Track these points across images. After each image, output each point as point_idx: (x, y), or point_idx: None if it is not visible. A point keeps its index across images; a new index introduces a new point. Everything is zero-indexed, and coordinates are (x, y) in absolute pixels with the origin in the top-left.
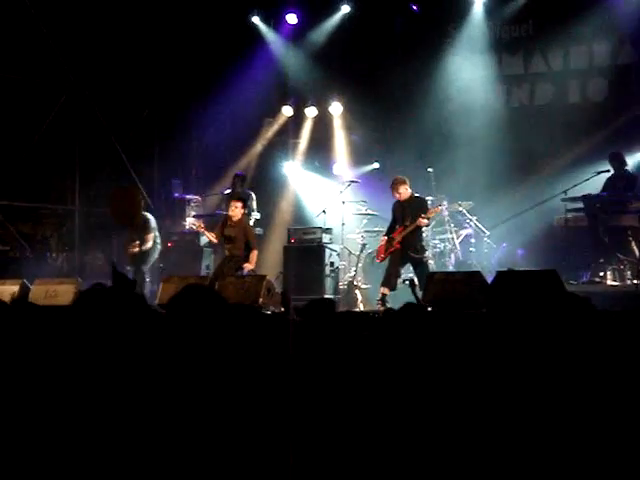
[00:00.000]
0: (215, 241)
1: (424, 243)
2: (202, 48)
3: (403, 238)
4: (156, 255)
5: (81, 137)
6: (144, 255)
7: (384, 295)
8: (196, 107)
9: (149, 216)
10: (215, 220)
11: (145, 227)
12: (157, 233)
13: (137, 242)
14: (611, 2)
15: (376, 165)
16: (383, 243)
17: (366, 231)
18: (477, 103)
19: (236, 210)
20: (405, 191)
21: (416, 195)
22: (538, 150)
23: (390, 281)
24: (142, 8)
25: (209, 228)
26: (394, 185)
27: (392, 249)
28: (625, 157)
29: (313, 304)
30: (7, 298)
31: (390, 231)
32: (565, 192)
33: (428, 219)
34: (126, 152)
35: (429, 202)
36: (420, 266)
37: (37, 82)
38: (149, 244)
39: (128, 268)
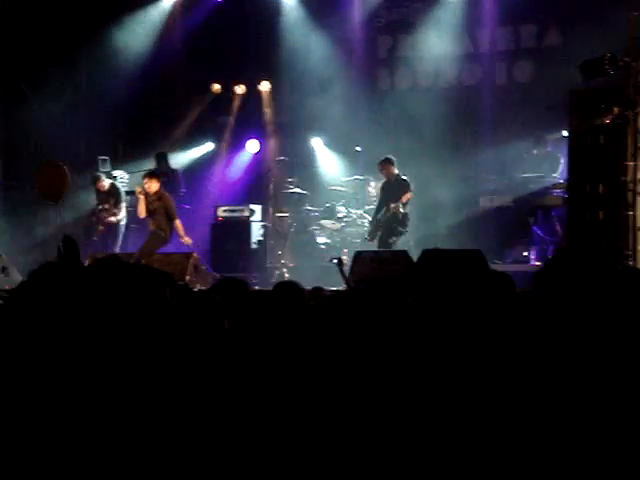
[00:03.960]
0: (142, 215)
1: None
2: (123, 24)
3: (386, 220)
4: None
5: (5, 112)
6: (116, 228)
7: None
8: (123, 84)
9: (118, 185)
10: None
11: (118, 196)
12: None
13: (113, 211)
14: None
15: (319, 140)
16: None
17: (294, 210)
18: (405, 83)
19: (150, 185)
20: (392, 172)
21: (401, 177)
22: (465, 130)
23: None
24: None
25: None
26: (383, 165)
27: (378, 231)
28: (547, 138)
29: (225, 283)
30: None
31: (377, 213)
32: (491, 172)
33: (400, 206)
34: (53, 127)
35: (356, 180)
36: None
37: None
38: (122, 214)
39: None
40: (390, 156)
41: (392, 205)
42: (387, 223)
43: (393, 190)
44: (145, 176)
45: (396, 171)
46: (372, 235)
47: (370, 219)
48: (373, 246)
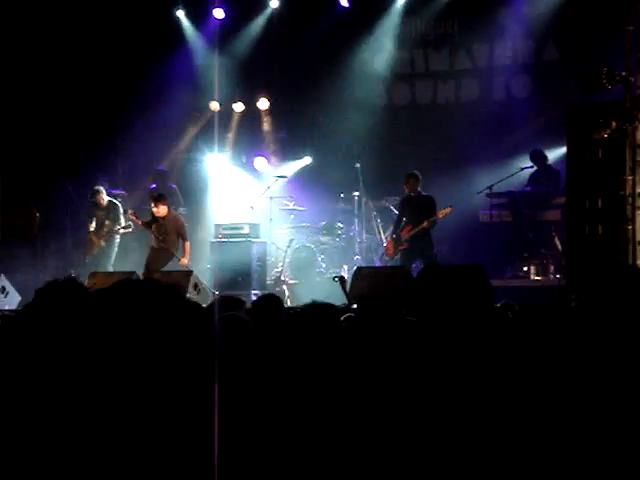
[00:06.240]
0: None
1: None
2: (126, 42)
3: (411, 237)
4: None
5: (5, 137)
6: (111, 245)
7: None
8: (121, 101)
9: (117, 202)
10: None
11: (117, 213)
12: None
13: (113, 227)
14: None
15: (308, 160)
16: (390, 240)
17: (293, 227)
18: (404, 99)
19: (158, 210)
20: (416, 188)
21: (424, 193)
22: (464, 146)
23: None
24: (60, 5)
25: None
26: (409, 180)
27: (402, 247)
28: (546, 153)
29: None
30: None
31: (397, 228)
32: (490, 188)
33: (434, 222)
34: (51, 149)
35: (355, 197)
36: (430, 261)
37: None
38: (121, 230)
39: (87, 260)
40: (416, 172)
41: (428, 222)
42: (413, 240)
43: (418, 206)
44: (151, 201)
45: (419, 188)
46: (394, 252)
47: (367, 235)
48: (372, 262)
